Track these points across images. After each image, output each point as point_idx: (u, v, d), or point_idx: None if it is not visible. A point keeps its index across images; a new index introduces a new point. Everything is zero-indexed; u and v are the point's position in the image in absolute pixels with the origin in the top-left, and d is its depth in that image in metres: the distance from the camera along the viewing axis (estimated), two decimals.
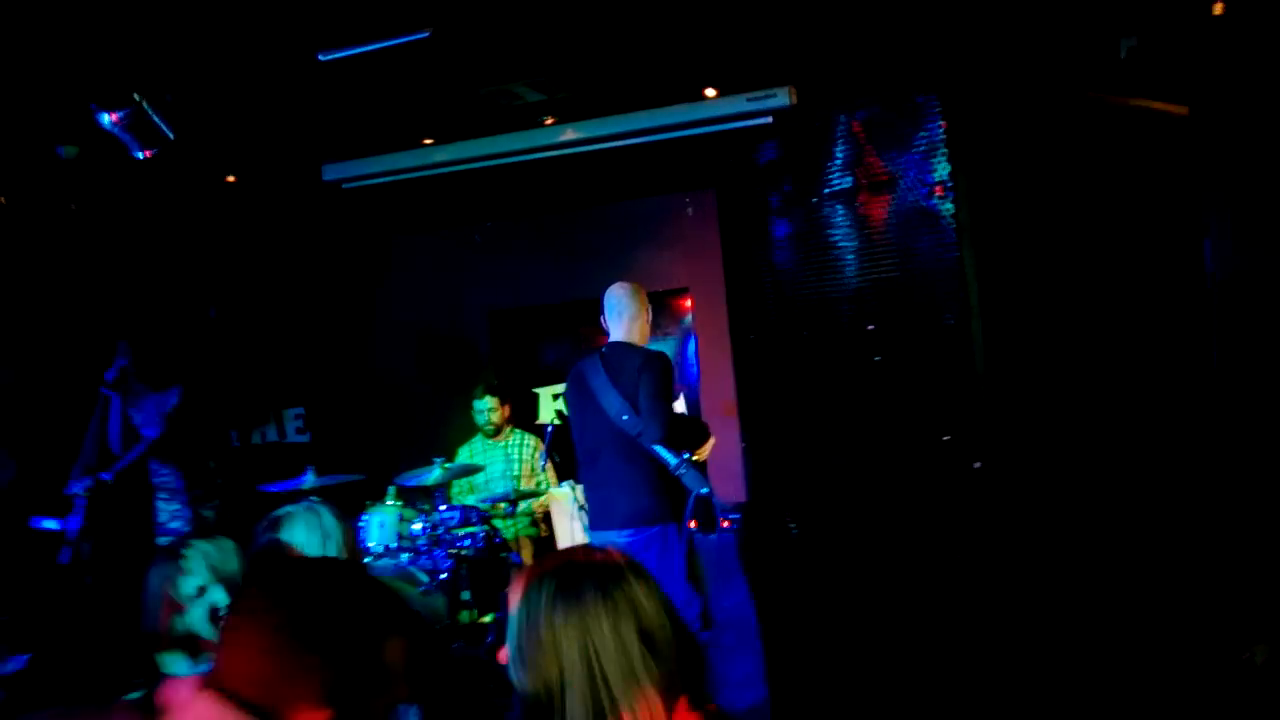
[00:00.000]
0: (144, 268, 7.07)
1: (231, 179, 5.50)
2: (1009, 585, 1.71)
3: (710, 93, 4.78)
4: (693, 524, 3.67)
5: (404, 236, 6.99)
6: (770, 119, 4.82)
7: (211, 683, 1.12)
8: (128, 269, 7.03)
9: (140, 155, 3.57)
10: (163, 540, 5.43)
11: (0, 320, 6.89)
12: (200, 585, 2.01)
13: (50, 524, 4.84)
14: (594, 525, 3.94)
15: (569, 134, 5.17)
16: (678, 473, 3.51)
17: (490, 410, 5.82)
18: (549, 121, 5.09)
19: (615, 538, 3.78)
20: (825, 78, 3.52)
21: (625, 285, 4.09)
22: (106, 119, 3.38)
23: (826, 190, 1.71)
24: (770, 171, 1.79)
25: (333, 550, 2.32)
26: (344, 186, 5.63)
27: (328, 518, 2.32)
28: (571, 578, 1.34)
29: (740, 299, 1.94)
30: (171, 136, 3.51)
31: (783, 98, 4.71)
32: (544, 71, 4.31)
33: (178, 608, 1.97)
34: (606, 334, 4.08)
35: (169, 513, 5.41)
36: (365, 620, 1.19)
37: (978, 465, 1.59)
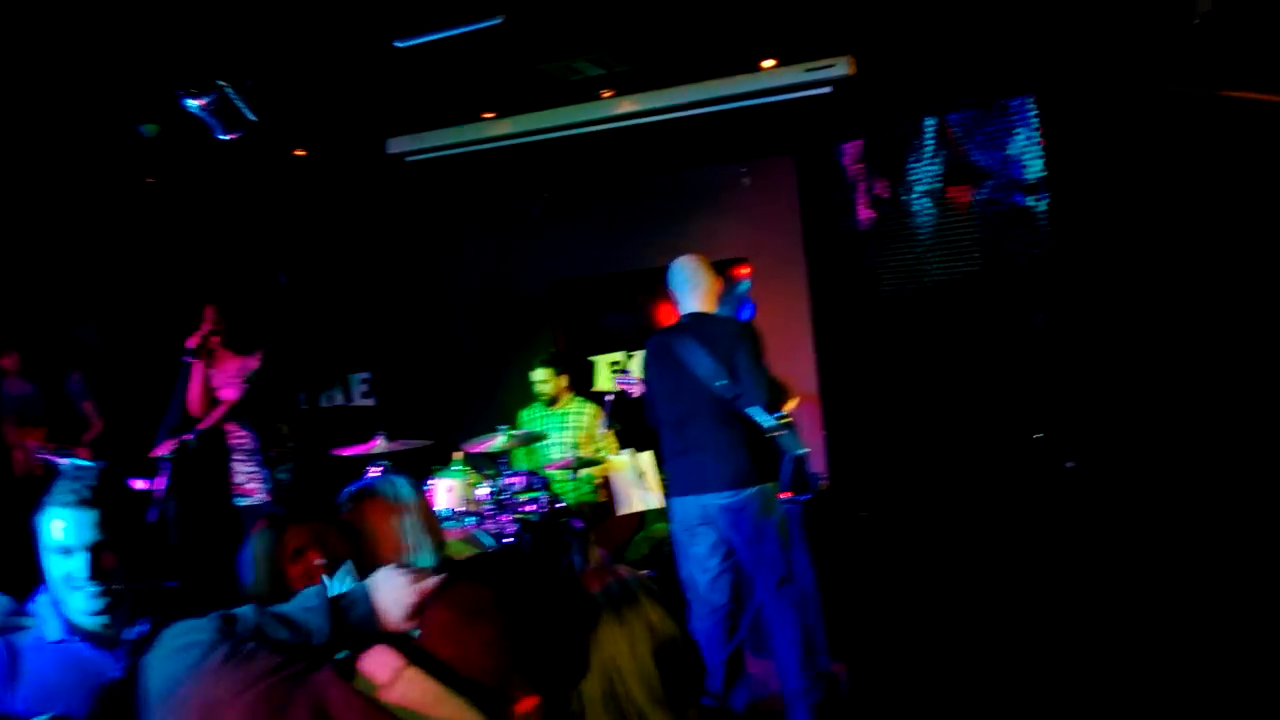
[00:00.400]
0: (220, 238, 7.32)
1: (301, 153, 5.65)
2: (1097, 586, 1.76)
3: (768, 63, 4.82)
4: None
5: (466, 208, 7.12)
6: (831, 89, 4.86)
7: (424, 661, 1.24)
8: (206, 239, 7.28)
9: (224, 137, 3.73)
10: (239, 501, 5.68)
11: (89, 287, 7.20)
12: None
13: (136, 481, 5.07)
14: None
15: (626, 106, 5.23)
16: (775, 434, 3.62)
17: (543, 382, 5.95)
18: (607, 94, 5.16)
19: (713, 500, 3.89)
20: (918, 77, 3.55)
21: (694, 257, 4.18)
22: (193, 104, 3.54)
23: (916, 186, 1.76)
24: (857, 164, 1.85)
25: (409, 521, 2.38)
26: (407, 160, 5.75)
27: (405, 489, 2.42)
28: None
29: (824, 288, 2.00)
30: (253, 119, 3.66)
31: (842, 67, 4.73)
32: (604, 47, 4.37)
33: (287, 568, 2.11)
34: (675, 304, 4.16)
35: (245, 474, 5.63)
36: (570, 616, 1.31)
37: (1070, 465, 1.64)
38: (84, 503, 1.95)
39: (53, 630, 1.99)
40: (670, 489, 4.11)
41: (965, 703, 2.03)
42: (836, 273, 1.88)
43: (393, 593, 1.66)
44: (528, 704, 1.22)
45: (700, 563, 4.03)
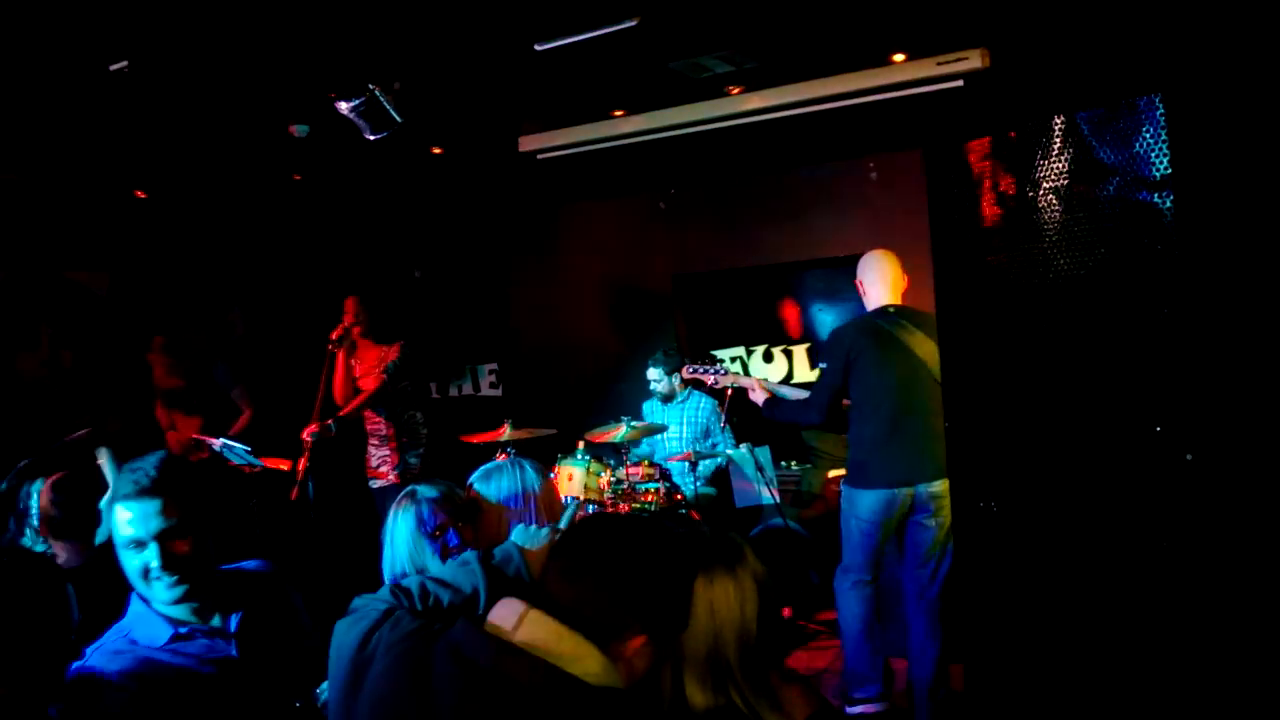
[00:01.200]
0: (361, 233, 7.68)
1: (438, 151, 5.87)
2: (1216, 579, 1.71)
3: (899, 57, 4.76)
4: None
5: (594, 203, 7.25)
6: (962, 82, 4.77)
7: (546, 604, 1.38)
8: (348, 234, 7.65)
9: (372, 138, 3.93)
10: (373, 483, 5.97)
11: (238, 279, 7.66)
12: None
13: (280, 463, 5.39)
14: (889, 482, 4.02)
15: (754, 102, 5.25)
16: None
17: (656, 381, 6.05)
18: (735, 91, 5.18)
19: (924, 488, 3.99)
20: (1047, 72, 3.48)
21: (888, 253, 4.34)
22: (344, 106, 3.75)
23: (1043, 183, 1.74)
24: (984, 161, 1.84)
25: (534, 504, 2.49)
26: (538, 157, 5.91)
27: (529, 473, 2.50)
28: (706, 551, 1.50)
29: (948, 282, 2.00)
30: (400, 121, 3.85)
31: (974, 60, 4.64)
32: (733, 44, 4.41)
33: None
34: (866, 294, 4.31)
35: (379, 458, 5.93)
36: (672, 567, 1.45)
37: (1189, 457, 1.60)
38: (145, 492, 1.93)
39: (160, 631, 1.98)
40: (867, 479, 4.10)
41: (1084, 704, 2.00)
42: (961, 268, 1.87)
43: (537, 545, 1.81)
44: (636, 642, 1.36)
45: (876, 552, 4.11)
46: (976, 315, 2.04)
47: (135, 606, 2.03)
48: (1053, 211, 1.79)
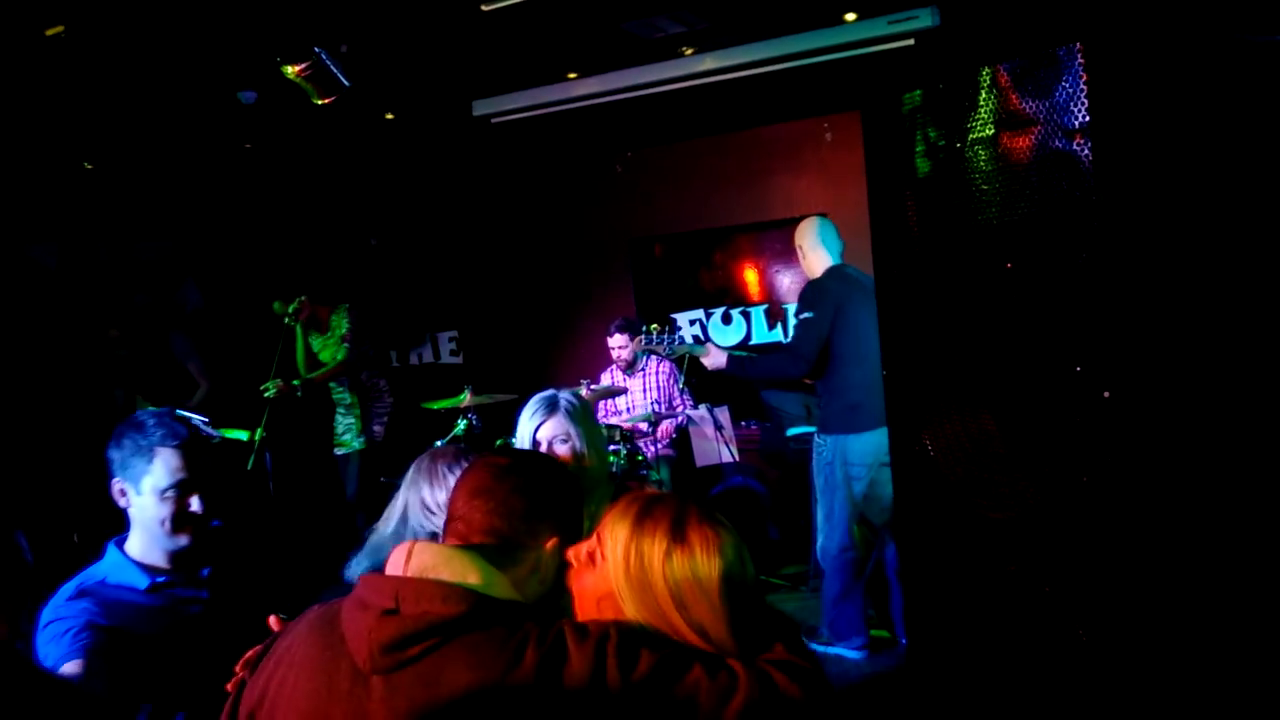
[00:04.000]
0: (314, 201, 7.59)
1: (390, 116, 5.82)
2: (1132, 510, 1.79)
3: (850, 17, 4.78)
4: None
5: (548, 167, 7.23)
6: (913, 41, 4.81)
7: (461, 536, 1.48)
8: (301, 203, 7.57)
9: (320, 102, 3.90)
10: (337, 452, 5.99)
11: (191, 250, 7.56)
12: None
13: (238, 434, 5.38)
14: (866, 426, 4.17)
15: (708, 63, 5.25)
16: None
17: (620, 347, 6.07)
18: (689, 52, 5.18)
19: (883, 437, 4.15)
20: (985, 30, 3.52)
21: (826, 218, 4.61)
22: (290, 70, 3.71)
23: (971, 135, 1.79)
24: (916, 113, 1.88)
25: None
26: (492, 121, 5.88)
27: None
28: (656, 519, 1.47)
29: (882, 238, 2.05)
30: (348, 85, 3.82)
31: (925, 18, 4.68)
32: (686, 4, 4.41)
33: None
34: (818, 256, 4.45)
35: (344, 425, 5.95)
36: (566, 472, 1.63)
37: (1106, 395, 1.67)
38: (185, 444, 2.12)
39: (138, 580, 2.10)
40: (861, 421, 4.21)
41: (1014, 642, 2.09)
42: (895, 219, 1.91)
43: None
44: (550, 544, 1.50)
45: (862, 502, 4.23)
46: (909, 264, 2.10)
47: (112, 556, 2.14)
48: (979, 162, 1.84)
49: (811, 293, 4.38)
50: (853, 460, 4.25)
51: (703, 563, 1.39)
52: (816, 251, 4.45)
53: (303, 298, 5.71)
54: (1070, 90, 1.63)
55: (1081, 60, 1.60)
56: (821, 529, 4.41)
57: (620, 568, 1.41)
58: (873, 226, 2.26)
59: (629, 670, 1.29)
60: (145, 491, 2.09)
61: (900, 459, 2.26)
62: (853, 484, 4.25)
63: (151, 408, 2.78)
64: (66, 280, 6.84)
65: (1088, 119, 1.62)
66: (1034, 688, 2.06)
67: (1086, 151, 1.62)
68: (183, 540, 2.12)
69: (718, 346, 4.74)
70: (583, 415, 2.48)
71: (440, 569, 1.39)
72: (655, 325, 4.77)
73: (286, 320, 5.63)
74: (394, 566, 1.44)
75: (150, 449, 2.09)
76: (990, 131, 1.79)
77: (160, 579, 2.12)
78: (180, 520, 2.10)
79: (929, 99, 1.91)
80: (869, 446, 4.20)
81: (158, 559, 2.14)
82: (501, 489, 1.50)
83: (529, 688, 1.29)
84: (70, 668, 1.91)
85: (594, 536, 1.48)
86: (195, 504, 2.11)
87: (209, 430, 4.91)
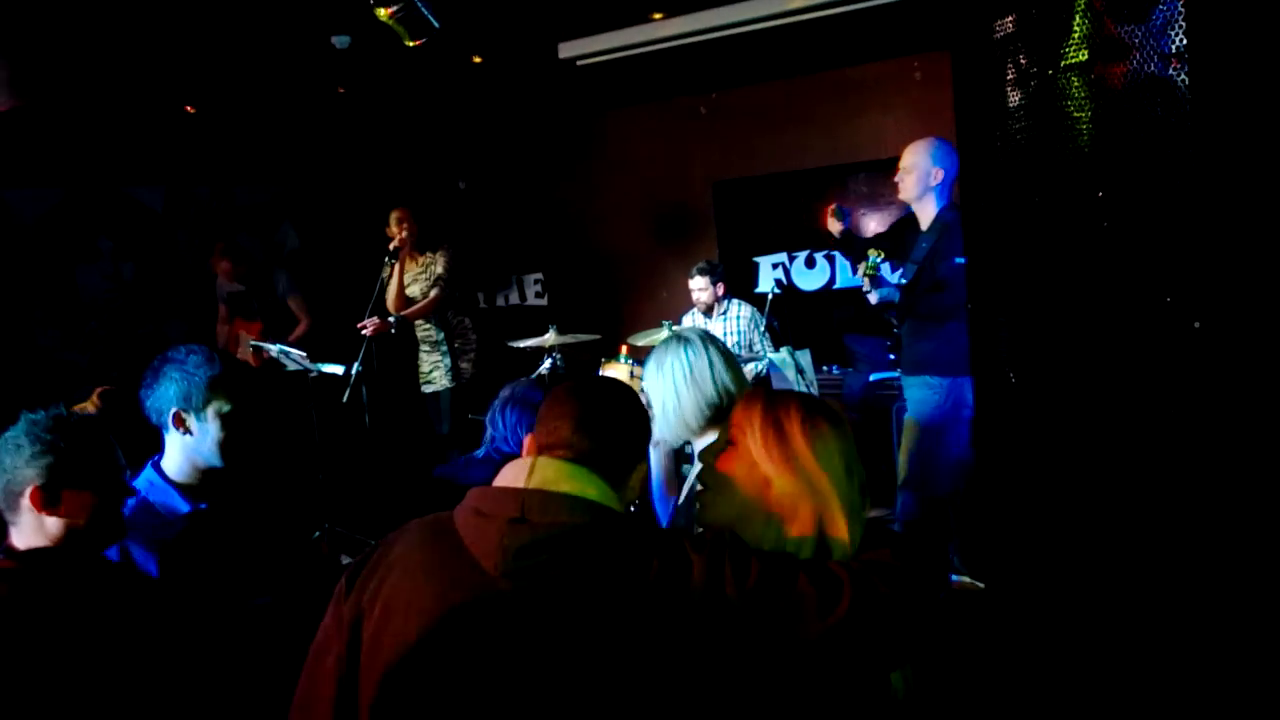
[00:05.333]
0: (405, 145, 7.75)
1: (477, 60, 5.88)
2: (1219, 446, 1.77)
3: None
4: None
5: (633, 108, 7.22)
6: None
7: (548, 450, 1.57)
8: (393, 147, 7.73)
9: (410, 44, 3.98)
10: (426, 389, 6.18)
11: (290, 193, 7.82)
12: None
13: (335, 368, 5.59)
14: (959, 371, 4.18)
15: (796, 1, 5.17)
16: None
17: (700, 290, 6.07)
18: None
19: None
20: None
21: None
22: (381, 12, 3.80)
23: (1063, 62, 1.75)
24: (1007, 41, 1.84)
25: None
26: (578, 64, 5.89)
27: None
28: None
29: (971, 168, 2.02)
30: (437, 26, 3.89)
31: None
32: None
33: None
34: (940, 188, 4.30)
35: (430, 363, 6.13)
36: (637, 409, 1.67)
37: (1197, 325, 1.65)
38: (237, 379, 2.34)
39: (178, 504, 2.31)
40: (962, 365, 4.07)
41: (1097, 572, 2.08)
42: (984, 149, 1.88)
43: None
44: (642, 469, 1.60)
45: (960, 446, 4.21)
46: (997, 195, 2.08)
47: (151, 477, 2.33)
48: (1072, 89, 1.80)
49: (961, 234, 4.19)
50: (969, 401, 4.14)
51: (832, 431, 1.57)
52: (935, 178, 4.24)
53: (402, 235, 5.82)
54: (1167, 14, 1.59)
55: None
56: (909, 471, 4.37)
57: (760, 441, 1.55)
58: (961, 160, 2.23)
59: (743, 577, 1.37)
60: (208, 418, 2.28)
61: (985, 394, 2.26)
62: (963, 425, 4.22)
63: (254, 341, 2.96)
64: (172, 221, 7.15)
65: (1185, 43, 1.58)
66: (1125, 627, 2.07)
67: (1183, 77, 1.59)
68: (229, 461, 2.31)
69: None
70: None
71: (562, 483, 1.47)
72: (876, 251, 4.50)
73: (388, 260, 5.78)
74: (512, 480, 1.51)
75: (207, 379, 2.27)
76: (1084, 58, 1.76)
77: (202, 506, 2.31)
78: (238, 442, 2.31)
79: (1021, 25, 1.88)
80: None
81: (195, 480, 2.33)
82: (590, 410, 1.58)
83: (653, 594, 1.37)
84: None
85: (730, 426, 1.63)
86: (247, 427, 2.31)
87: (308, 364, 5.14)
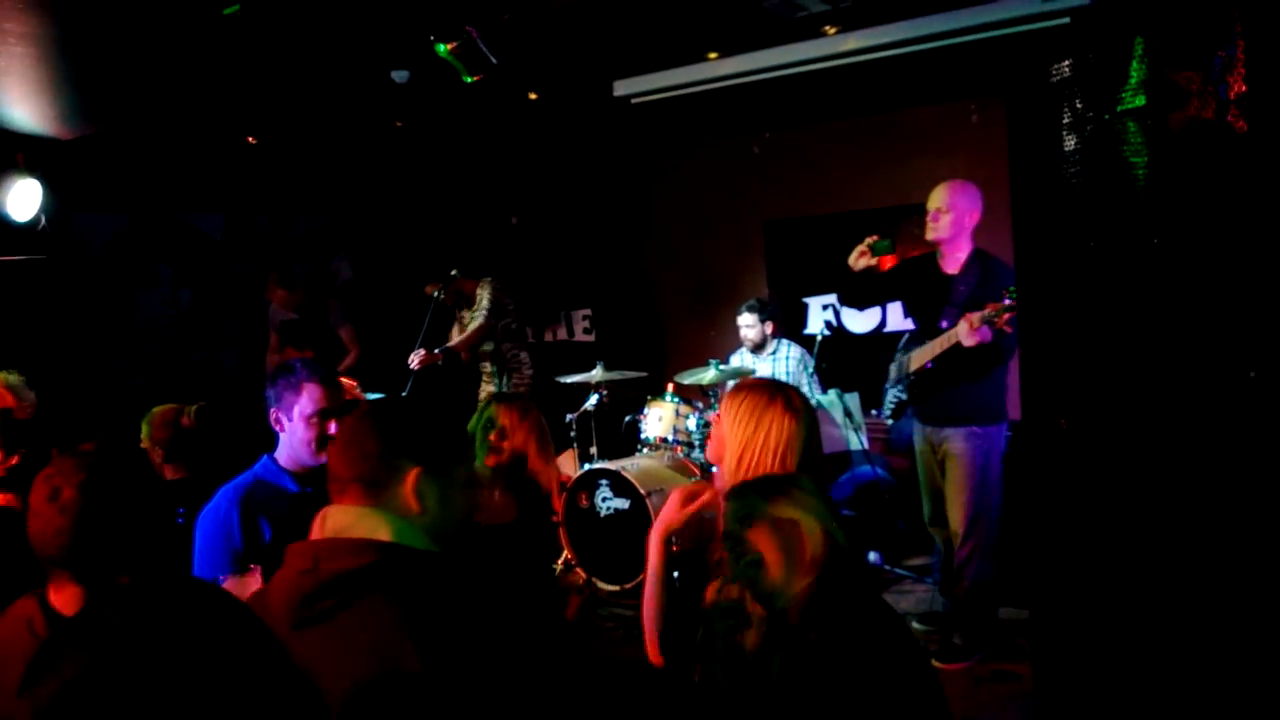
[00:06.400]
0: (460, 180, 7.86)
1: (533, 96, 5.96)
2: None
3: None
4: None
5: (685, 147, 7.25)
6: (1068, 19, 4.59)
7: (338, 490, 1.59)
8: (447, 181, 7.85)
9: (469, 80, 4.04)
10: None
11: (343, 223, 7.95)
12: None
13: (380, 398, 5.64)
14: (1006, 418, 4.18)
15: (851, 43, 5.15)
16: None
17: (748, 327, 6.04)
18: (832, 31, 5.10)
19: None
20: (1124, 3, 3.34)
21: None
22: (442, 48, 3.86)
23: (1120, 107, 1.71)
24: (1064, 86, 1.80)
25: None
26: (633, 101, 5.93)
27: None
28: None
29: (1025, 211, 1.97)
30: (495, 62, 3.94)
31: None
32: None
33: None
34: (966, 232, 4.28)
35: (485, 393, 6.19)
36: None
37: (1252, 374, 1.59)
38: (328, 379, 2.69)
39: (288, 482, 2.65)
40: (1004, 414, 4.18)
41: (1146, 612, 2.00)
42: (1038, 192, 1.84)
43: None
44: (412, 475, 1.57)
45: (998, 494, 4.16)
46: (1051, 239, 2.03)
47: (265, 463, 2.68)
48: (1129, 135, 1.76)
49: (1002, 275, 4.08)
50: (1001, 448, 4.19)
51: (787, 418, 2.07)
52: (968, 222, 4.24)
53: (454, 272, 5.93)
54: (1227, 60, 1.54)
55: (1239, 29, 1.51)
56: (974, 528, 4.17)
57: (730, 419, 2.06)
58: (1013, 202, 2.19)
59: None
60: (295, 418, 2.60)
61: (1034, 435, 2.19)
62: (998, 475, 4.18)
63: None
64: (230, 249, 7.31)
65: (1244, 90, 1.53)
66: (1183, 675, 1.98)
67: (1242, 124, 1.53)
68: (323, 459, 2.54)
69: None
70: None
71: (354, 528, 1.50)
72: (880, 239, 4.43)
73: (437, 296, 5.87)
74: (313, 531, 1.55)
75: (299, 384, 2.59)
76: (1141, 103, 1.71)
77: (308, 490, 2.62)
78: (322, 441, 2.59)
79: (1078, 70, 1.84)
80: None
81: (300, 470, 2.66)
82: (356, 436, 1.60)
83: (430, 639, 1.35)
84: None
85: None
86: (333, 429, 2.57)
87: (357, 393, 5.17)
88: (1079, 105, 1.85)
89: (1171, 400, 1.83)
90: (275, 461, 2.67)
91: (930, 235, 4.34)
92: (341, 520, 1.52)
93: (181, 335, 7.06)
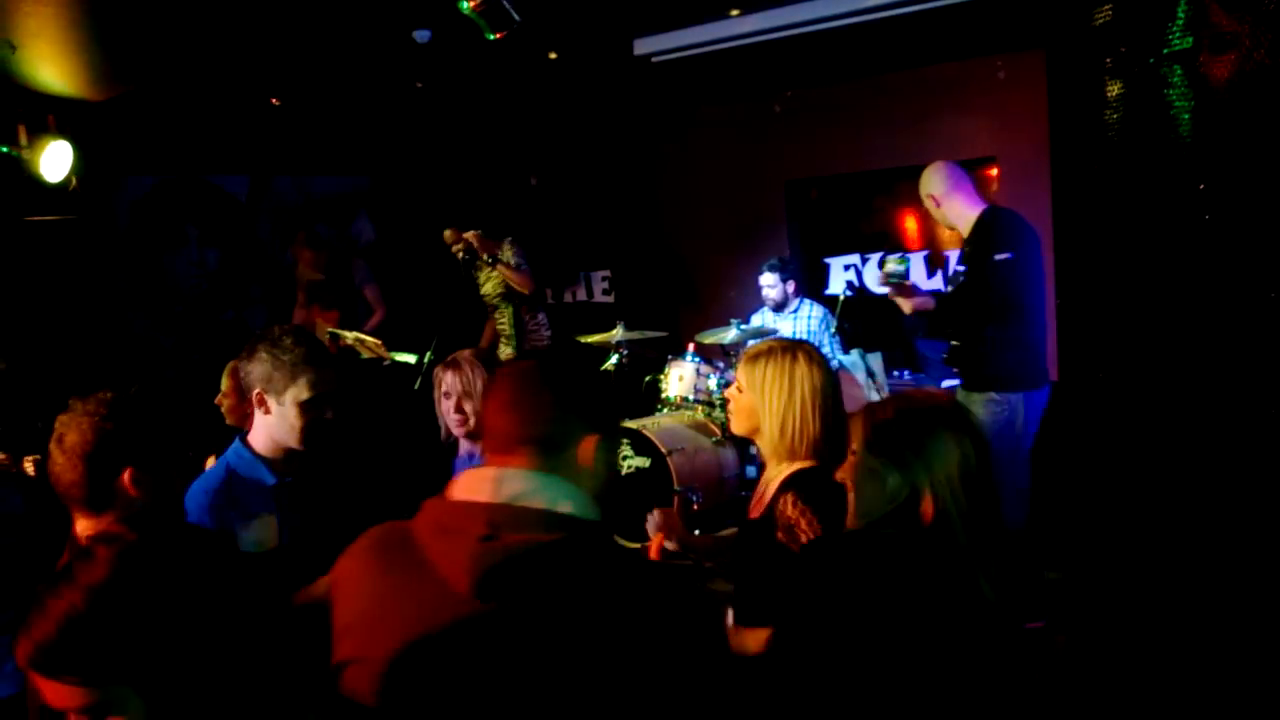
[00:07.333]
0: (480, 140, 7.85)
1: (553, 56, 5.92)
2: None
3: None
4: None
5: (706, 107, 7.20)
6: None
7: (501, 449, 1.50)
8: (467, 142, 7.84)
9: (492, 37, 4.03)
10: None
11: (365, 185, 7.97)
12: None
13: (408, 357, 5.70)
14: (1042, 381, 3.83)
15: None
16: None
17: (770, 287, 6.03)
18: None
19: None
20: None
21: None
22: (465, 5, 3.85)
23: (1166, 50, 1.69)
24: (1106, 30, 1.79)
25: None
26: (653, 60, 5.89)
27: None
28: None
29: (1065, 163, 1.97)
30: (518, 19, 3.93)
31: None
32: None
33: None
34: (965, 199, 4.02)
35: (505, 356, 6.22)
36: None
37: None
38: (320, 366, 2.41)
39: (265, 476, 2.40)
40: (1034, 378, 3.84)
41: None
42: (1080, 144, 1.82)
43: None
44: (589, 442, 1.48)
45: (1025, 471, 3.90)
46: (1093, 188, 2.03)
47: (239, 451, 2.41)
48: (1174, 78, 1.75)
49: (1005, 230, 3.82)
50: (1030, 419, 3.87)
51: (812, 371, 2.20)
52: (954, 195, 4.00)
53: (471, 235, 5.94)
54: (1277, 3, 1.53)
55: None
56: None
57: (759, 388, 2.18)
58: (1053, 153, 2.18)
59: None
60: (288, 403, 2.32)
61: (1072, 386, 2.20)
62: (1024, 443, 3.87)
63: (331, 329, 3.05)
64: (254, 210, 7.35)
65: None
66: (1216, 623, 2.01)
67: None
68: (308, 445, 2.35)
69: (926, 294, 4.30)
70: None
71: (535, 496, 1.40)
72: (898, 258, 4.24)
73: (461, 257, 5.89)
74: (475, 492, 1.44)
75: (294, 365, 2.31)
76: (1188, 44, 1.70)
77: (288, 479, 2.39)
78: (314, 428, 2.34)
79: (1120, 13, 1.83)
80: (1043, 403, 3.85)
81: (279, 456, 2.39)
82: (528, 395, 1.49)
83: (619, 610, 1.33)
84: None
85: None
86: (328, 414, 2.35)
87: (380, 352, 5.24)
88: (1122, 50, 1.84)
89: (1217, 349, 1.84)
90: (249, 448, 2.40)
91: (943, 226, 4.24)
92: (517, 486, 1.42)
93: (209, 295, 7.13)
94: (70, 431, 1.83)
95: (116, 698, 1.18)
